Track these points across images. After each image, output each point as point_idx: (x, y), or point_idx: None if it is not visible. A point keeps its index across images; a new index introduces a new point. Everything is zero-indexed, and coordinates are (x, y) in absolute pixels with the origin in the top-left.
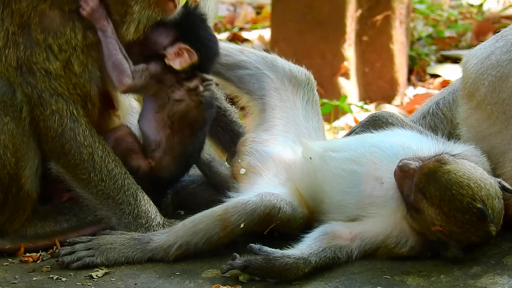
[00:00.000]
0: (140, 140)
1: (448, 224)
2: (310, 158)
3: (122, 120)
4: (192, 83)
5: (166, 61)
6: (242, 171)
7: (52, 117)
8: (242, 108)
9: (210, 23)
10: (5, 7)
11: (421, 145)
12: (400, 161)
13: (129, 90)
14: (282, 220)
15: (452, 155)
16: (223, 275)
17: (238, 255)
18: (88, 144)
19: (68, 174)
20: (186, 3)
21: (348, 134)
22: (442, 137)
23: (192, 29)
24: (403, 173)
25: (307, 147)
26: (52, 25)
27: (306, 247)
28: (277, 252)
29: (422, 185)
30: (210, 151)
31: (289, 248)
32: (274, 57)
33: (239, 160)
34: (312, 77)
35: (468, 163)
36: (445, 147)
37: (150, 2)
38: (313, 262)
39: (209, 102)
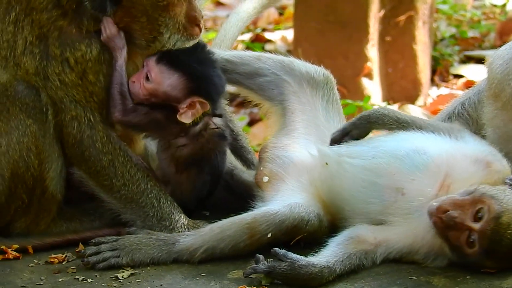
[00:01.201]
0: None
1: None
2: (326, 164)
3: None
4: (197, 128)
5: (178, 116)
6: (265, 179)
7: (71, 123)
8: (242, 104)
9: (228, 48)
10: (26, 15)
11: (437, 149)
12: (437, 209)
13: (120, 124)
14: (309, 232)
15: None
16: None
17: (262, 257)
18: (108, 151)
19: (91, 180)
20: (196, 44)
21: (343, 135)
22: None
23: (206, 79)
24: (447, 226)
25: (322, 152)
26: (69, 40)
27: (331, 253)
28: (302, 260)
29: (489, 248)
30: (231, 159)
31: (313, 254)
32: (291, 61)
33: (261, 168)
34: (331, 76)
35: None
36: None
37: (179, 28)
38: (338, 270)
39: (220, 135)
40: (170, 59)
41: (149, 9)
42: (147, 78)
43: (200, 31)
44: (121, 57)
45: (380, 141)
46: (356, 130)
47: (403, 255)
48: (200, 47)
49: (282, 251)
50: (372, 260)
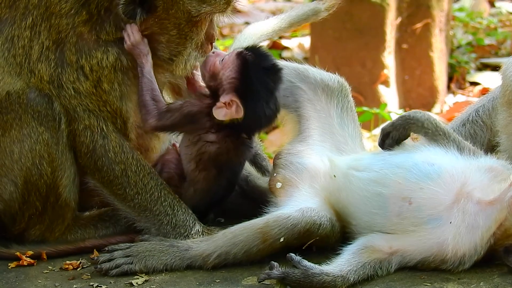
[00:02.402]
0: None
1: None
2: (334, 176)
3: (162, 141)
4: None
5: (214, 108)
6: (279, 185)
7: (84, 133)
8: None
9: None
10: (44, 20)
11: (449, 161)
12: None
13: (154, 130)
14: (321, 236)
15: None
16: (260, 283)
17: (276, 264)
18: (120, 160)
19: (104, 189)
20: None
21: (383, 138)
22: (476, 147)
23: (259, 91)
24: None
25: (332, 163)
26: (86, 48)
27: (345, 262)
28: (316, 268)
29: None
30: (246, 165)
31: (327, 262)
32: (305, 68)
33: (275, 174)
34: (345, 83)
35: None
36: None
37: (198, 45)
38: (352, 279)
39: (248, 146)
40: (247, 57)
41: (182, 23)
42: (221, 61)
43: (212, 48)
44: (148, 62)
45: (388, 155)
46: (395, 131)
47: (419, 262)
48: (274, 68)
49: (297, 258)
50: (386, 269)
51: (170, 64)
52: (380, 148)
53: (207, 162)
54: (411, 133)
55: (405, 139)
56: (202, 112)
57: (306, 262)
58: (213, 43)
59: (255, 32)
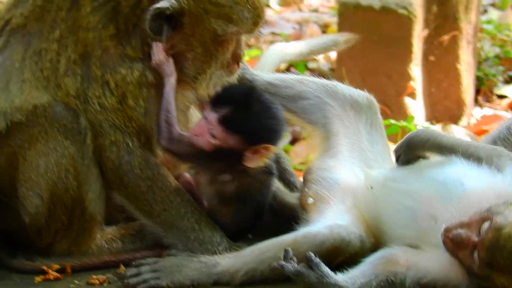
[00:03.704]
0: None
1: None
2: (371, 187)
3: None
4: (241, 166)
5: (244, 162)
6: (310, 200)
7: (110, 148)
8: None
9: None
10: (71, 33)
11: (474, 182)
12: (445, 230)
13: (165, 152)
14: (350, 254)
15: (501, 206)
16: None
17: (292, 254)
18: (146, 176)
19: (131, 204)
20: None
21: (397, 158)
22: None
23: (267, 130)
24: (456, 245)
25: (368, 176)
26: (110, 63)
27: (359, 273)
28: (331, 278)
29: (488, 259)
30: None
31: (343, 272)
32: (334, 84)
33: (306, 189)
34: (374, 100)
35: None
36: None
37: (223, 64)
38: None
39: (267, 172)
40: (231, 119)
41: (208, 41)
42: (212, 135)
43: (239, 68)
44: (169, 83)
45: (424, 166)
46: (403, 154)
47: (431, 281)
48: (252, 98)
49: (317, 260)
50: (401, 283)
51: (194, 82)
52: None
53: (229, 199)
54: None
55: (417, 160)
56: (214, 156)
57: (324, 268)
58: (240, 64)
59: (280, 52)
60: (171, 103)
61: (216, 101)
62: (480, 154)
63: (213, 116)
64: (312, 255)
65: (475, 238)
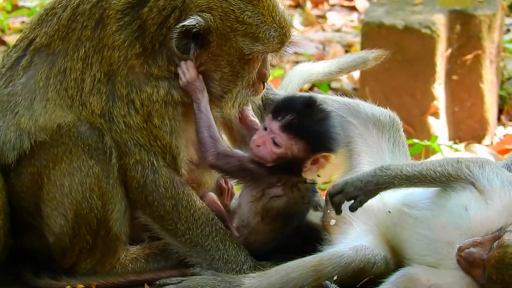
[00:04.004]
0: (228, 208)
1: None
2: (389, 212)
3: (214, 176)
4: (295, 179)
5: (303, 173)
6: (332, 222)
7: (135, 167)
8: None
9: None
10: (96, 52)
11: (476, 203)
12: (458, 250)
13: (212, 168)
14: (375, 275)
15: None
16: None
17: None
18: (171, 195)
19: (155, 224)
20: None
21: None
22: None
23: (327, 136)
24: (468, 263)
25: (386, 200)
26: (136, 81)
27: None
28: None
29: (495, 276)
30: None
31: None
32: (356, 103)
33: (328, 211)
34: (397, 118)
35: None
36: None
37: (249, 83)
38: None
39: (313, 190)
40: (295, 125)
41: (235, 60)
42: (275, 144)
43: (264, 88)
44: (204, 98)
45: (434, 191)
46: (364, 196)
47: None
48: (314, 106)
49: (333, 286)
50: None
51: (220, 101)
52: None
53: (275, 216)
54: None
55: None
56: (264, 172)
57: None
58: (266, 84)
59: (305, 71)
60: (210, 118)
61: (278, 110)
62: (449, 170)
63: (275, 124)
64: (328, 282)
65: (486, 257)
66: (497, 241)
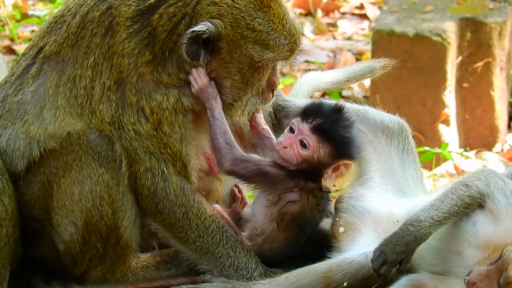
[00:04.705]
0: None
1: None
2: (397, 221)
3: (224, 183)
4: (311, 185)
5: (323, 180)
6: (341, 229)
7: (145, 175)
8: None
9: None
10: (106, 59)
11: (482, 219)
12: (467, 284)
13: (229, 174)
14: (385, 281)
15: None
16: None
17: None
18: (181, 203)
19: (166, 231)
20: (339, 108)
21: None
22: None
23: (351, 144)
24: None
25: (394, 210)
26: (146, 89)
27: None
28: None
29: None
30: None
31: None
32: (365, 109)
33: (337, 219)
34: (406, 124)
35: None
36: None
37: (258, 91)
38: None
39: (327, 198)
40: (326, 128)
41: (245, 67)
42: (303, 145)
43: (273, 97)
44: (217, 104)
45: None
46: (409, 255)
47: None
48: (342, 112)
49: None
50: None
51: (230, 109)
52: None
53: (290, 223)
54: None
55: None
56: (285, 176)
57: None
58: (275, 92)
59: (314, 80)
60: (225, 124)
61: (308, 113)
62: (466, 200)
63: (306, 126)
64: None
65: None
66: (503, 276)
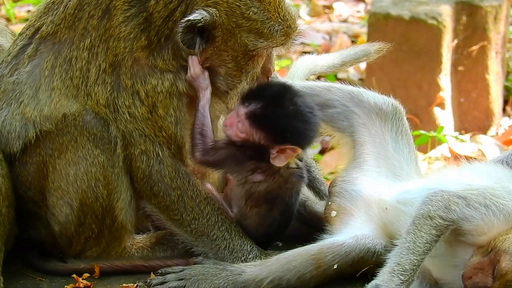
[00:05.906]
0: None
1: None
2: (386, 208)
3: None
4: (276, 166)
5: (271, 160)
6: (333, 213)
7: (140, 158)
8: None
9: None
10: (102, 42)
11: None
12: (463, 277)
13: (199, 164)
14: (376, 263)
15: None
16: None
17: None
18: (176, 186)
19: (161, 214)
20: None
21: None
22: None
23: (295, 131)
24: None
25: (383, 197)
26: (140, 73)
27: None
28: None
29: None
30: (304, 190)
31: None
32: (360, 91)
33: (330, 203)
34: (399, 106)
35: None
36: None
37: (253, 78)
38: None
39: (299, 175)
40: (258, 115)
41: (239, 55)
42: (239, 128)
43: (269, 79)
44: (204, 97)
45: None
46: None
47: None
48: (284, 97)
49: None
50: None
51: (225, 96)
52: None
53: (258, 200)
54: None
55: None
56: (247, 155)
57: None
58: (270, 79)
59: (310, 64)
60: (206, 117)
61: (248, 96)
62: (433, 231)
63: (242, 110)
64: None
65: (491, 283)
66: (496, 267)
